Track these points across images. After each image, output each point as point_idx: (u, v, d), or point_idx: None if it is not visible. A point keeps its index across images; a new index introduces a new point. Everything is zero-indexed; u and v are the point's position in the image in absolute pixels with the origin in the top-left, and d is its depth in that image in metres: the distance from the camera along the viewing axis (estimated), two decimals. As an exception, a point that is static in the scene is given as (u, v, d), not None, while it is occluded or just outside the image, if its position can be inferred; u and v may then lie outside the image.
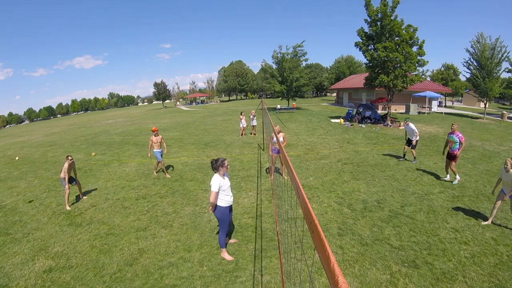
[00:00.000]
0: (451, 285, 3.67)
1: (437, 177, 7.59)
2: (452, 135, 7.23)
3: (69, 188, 6.81)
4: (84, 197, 7.38)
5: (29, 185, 8.89)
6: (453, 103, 33.76)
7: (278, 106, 30.90)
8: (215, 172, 4.26)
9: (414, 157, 9.14)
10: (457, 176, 7.22)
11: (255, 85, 72.87)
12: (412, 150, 9.10)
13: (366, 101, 27.12)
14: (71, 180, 7.05)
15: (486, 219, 5.26)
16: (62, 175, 6.79)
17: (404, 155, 9.49)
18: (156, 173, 9.07)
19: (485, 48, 18.34)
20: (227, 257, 4.46)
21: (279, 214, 5.29)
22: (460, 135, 7.16)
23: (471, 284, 3.68)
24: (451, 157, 7.22)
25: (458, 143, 7.10)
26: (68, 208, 6.75)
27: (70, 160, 6.93)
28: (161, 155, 8.62)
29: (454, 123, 7.44)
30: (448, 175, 7.42)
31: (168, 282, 3.98)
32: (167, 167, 9.44)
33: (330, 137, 13.70)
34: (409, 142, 9.25)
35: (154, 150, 8.51)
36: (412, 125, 9.02)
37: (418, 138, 9.06)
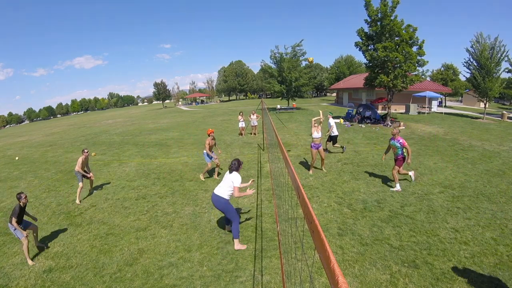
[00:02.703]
0: (451, 285, 3.67)
1: (437, 177, 7.58)
2: (393, 141, 6.83)
3: (83, 185, 7.09)
4: (94, 191, 7.70)
5: (29, 185, 8.89)
6: (444, 101, 33.30)
7: (278, 106, 30.85)
8: (234, 171, 4.78)
9: (341, 147, 10.40)
10: (397, 185, 6.75)
11: (255, 85, 72.84)
12: (335, 145, 10.26)
13: (366, 101, 27.11)
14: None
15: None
16: (77, 168, 6.96)
17: (327, 148, 10.69)
18: (217, 175, 8.35)
19: (485, 48, 18.35)
20: (241, 247, 4.65)
21: (279, 214, 5.29)
22: (401, 140, 6.72)
23: (471, 284, 3.68)
24: (395, 161, 6.90)
25: (400, 149, 6.72)
26: (78, 202, 6.97)
27: (86, 152, 7.17)
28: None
29: (394, 127, 7.00)
30: (397, 184, 6.79)
31: (168, 282, 3.98)
32: (172, 169, 9.43)
33: (330, 137, 13.68)
34: (330, 137, 10.33)
35: (206, 152, 7.89)
36: (331, 120, 10.11)
37: (336, 133, 10.17)
